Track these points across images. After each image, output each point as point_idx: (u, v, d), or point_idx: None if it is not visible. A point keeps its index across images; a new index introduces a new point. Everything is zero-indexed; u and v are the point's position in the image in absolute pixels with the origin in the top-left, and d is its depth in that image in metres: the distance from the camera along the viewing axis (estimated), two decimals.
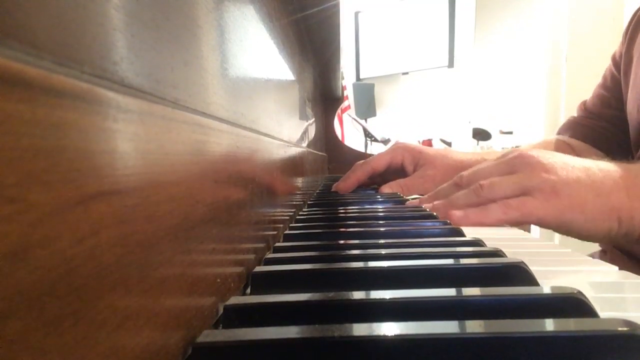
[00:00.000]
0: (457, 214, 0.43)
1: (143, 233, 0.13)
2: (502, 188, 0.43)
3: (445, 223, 0.41)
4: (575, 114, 0.86)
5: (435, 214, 0.47)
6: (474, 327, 0.17)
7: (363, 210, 0.53)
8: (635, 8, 0.72)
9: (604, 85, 0.80)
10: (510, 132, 4.22)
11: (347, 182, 0.76)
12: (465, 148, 3.65)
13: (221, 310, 0.20)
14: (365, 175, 0.75)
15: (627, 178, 0.41)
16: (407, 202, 0.58)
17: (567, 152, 0.81)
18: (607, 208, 0.40)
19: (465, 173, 0.50)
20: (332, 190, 0.77)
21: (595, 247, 0.75)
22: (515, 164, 0.45)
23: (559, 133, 0.86)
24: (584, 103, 0.85)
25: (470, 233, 0.36)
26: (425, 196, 0.57)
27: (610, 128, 0.78)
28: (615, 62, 0.76)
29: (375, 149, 3.50)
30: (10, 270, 0.08)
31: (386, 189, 0.73)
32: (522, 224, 0.42)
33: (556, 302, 0.20)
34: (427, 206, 0.50)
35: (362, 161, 0.78)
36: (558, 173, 0.42)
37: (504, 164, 0.46)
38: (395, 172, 0.76)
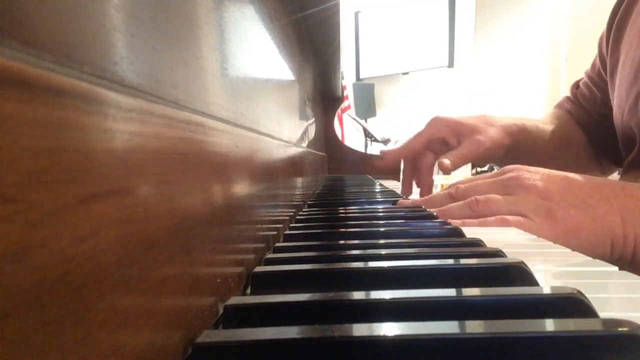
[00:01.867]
0: (454, 223, 0.42)
1: (143, 233, 0.13)
2: (497, 206, 0.43)
3: (445, 223, 0.41)
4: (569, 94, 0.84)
5: (435, 213, 0.47)
6: (474, 327, 0.17)
7: (363, 211, 0.53)
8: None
9: (591, 77, 0.78)
10: None
11: (389, 154, 0.73)
12: None
13: (221, 310, 0.20)
14: (402, 154, 0.72)
15: (622, 200, 0.41)
16: (399, 202, 0.58)
17: (569, 125, 0.78)
18: (602, 233, 0.40)
19: (461, 186, 0.50)
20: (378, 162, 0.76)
21: None
22: (511, 186, 0.44)
23: (554, 108, 0.84)
24: (576, 86, 0.82)
25: (469, 233, 0.36)
26: (418, 200, 0.56)
27: (598, 125, 0.76)
28: (602, 56, 0.73)
29: (375, 149, 3.50)
30: (10, 270, 0.08)
31: (443, 161, 0.67)
32: None
33: (556, 302, 0.20)
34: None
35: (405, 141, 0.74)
36: (553, 198, 0.42)
37: (500, 184, 0.46)
38: (437, 148, 0.71)
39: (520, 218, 0.42)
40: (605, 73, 0.71)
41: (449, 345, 0.16)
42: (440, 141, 0.70)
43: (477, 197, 0.45)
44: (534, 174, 0.44)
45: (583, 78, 0.82)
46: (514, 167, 0.47)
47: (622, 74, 0.62)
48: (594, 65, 0.77)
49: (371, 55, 3.94)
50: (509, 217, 0.42)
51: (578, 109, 0.80)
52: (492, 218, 0.42)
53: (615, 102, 0.65)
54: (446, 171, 0.65)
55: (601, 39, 0.74)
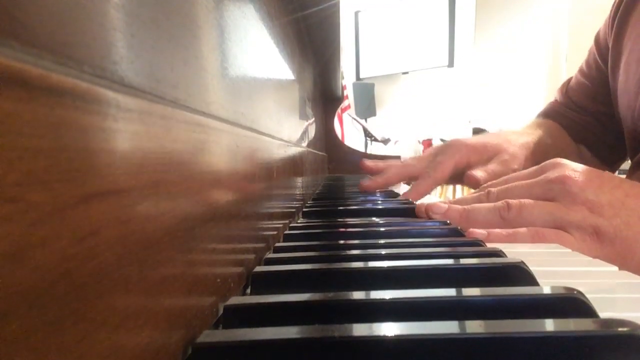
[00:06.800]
0: (477, 233, 0.36)
1: (143, 233, 0.13)
2: (531, 215, 0.37)
3: (445, 223, 0.40)
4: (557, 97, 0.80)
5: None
6: (474, 327, 0.17)
7: (363, 211, 0.53)
8: None
9: (587, 74, 0.74)
10: None
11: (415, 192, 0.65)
12: None
13: (221, 311, 0.20)
14: (429, 189, 0.65)
15: None
16: (421, 205, 0.49)
17: (562, 137, 0.74)
18: None
19: (493, 190, 0.43)
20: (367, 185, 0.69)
21: None
22: (554, 190, 0.38)
23: (539, 117, 0.79)
24: (566, 87, 0.78)
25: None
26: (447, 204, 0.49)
27: (596, 124, 0.73)
28: (600, 50, 0.70)
29: (375, 148, 3.50)
30: (10, 270, 0.08)
31: (474, 173, 0.60)
32: None
33: (556, 302, 0.20)
34: (439, 212, 0.44)
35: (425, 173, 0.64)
36: (604, 213, 0.35)
37: (540, 187, 0.39)
38: (461, 175, 0.63)
39: (558, 232, 0.35)
40: (607, 66, 0.68)
41: (449, 345, 0.16)
42: (464, 167, 0.64)
43: (509, 201, 0.38)
44: (583, 176, 0.37)
45: (573, 78, 0.78)
46: (555, 162, 0.40)
47: (629, 71, 0.60)
48: (588, 64, 0.74)
49: (371, 55, 3.94)
50: (545, 231, 0.36)
51: (571, 113, 0.76)
52: (524, 230, 0.36)
53: (622, 102, 0.63)
54: (476, 184, 0.58)
55: (597, 34, 0.71)
